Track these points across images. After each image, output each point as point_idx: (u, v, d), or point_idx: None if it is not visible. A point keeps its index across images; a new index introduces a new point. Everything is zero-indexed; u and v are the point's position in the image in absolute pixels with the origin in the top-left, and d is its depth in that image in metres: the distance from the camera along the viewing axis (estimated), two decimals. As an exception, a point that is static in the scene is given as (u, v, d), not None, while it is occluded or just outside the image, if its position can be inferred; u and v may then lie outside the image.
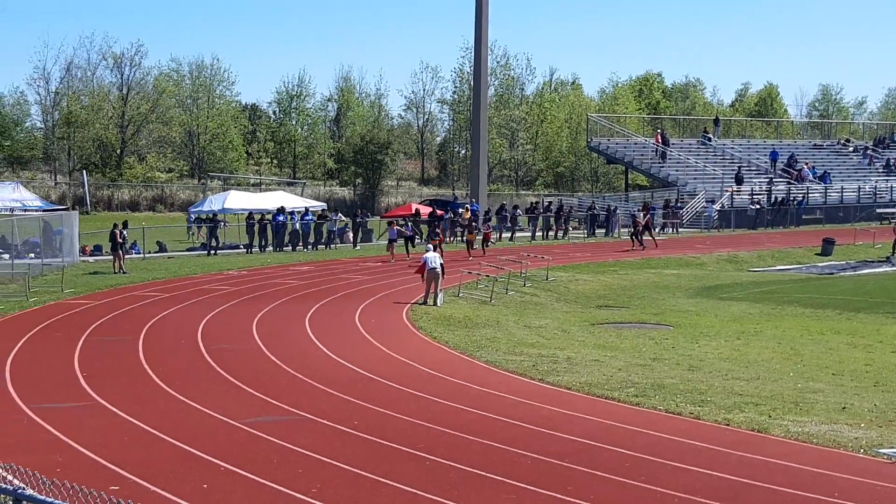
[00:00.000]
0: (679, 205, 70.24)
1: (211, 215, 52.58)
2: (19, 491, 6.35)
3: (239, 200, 56.08)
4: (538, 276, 41.48)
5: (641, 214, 56.73)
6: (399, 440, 16.13)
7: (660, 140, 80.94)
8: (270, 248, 52.30)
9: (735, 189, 73.71)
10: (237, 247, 53.12)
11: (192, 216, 56.07)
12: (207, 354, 23.67)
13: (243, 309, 31.23)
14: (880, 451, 16.11)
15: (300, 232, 53.90)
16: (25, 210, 47.28)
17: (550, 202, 67.76)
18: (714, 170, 77.29)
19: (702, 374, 23.04)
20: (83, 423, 16.87)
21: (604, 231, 64.90)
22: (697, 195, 72.28)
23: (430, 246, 36.49)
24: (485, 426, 17.26)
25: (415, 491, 13.50)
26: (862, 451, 16.19)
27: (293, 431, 16.54)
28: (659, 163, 79.32)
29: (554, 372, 22.54)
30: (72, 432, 16.15)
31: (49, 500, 6.30)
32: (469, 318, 30.72)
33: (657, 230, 63.82)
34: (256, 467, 14.41)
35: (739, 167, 77.87)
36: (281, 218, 53.03)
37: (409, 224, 50.40)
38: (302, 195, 71.57)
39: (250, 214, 53.20)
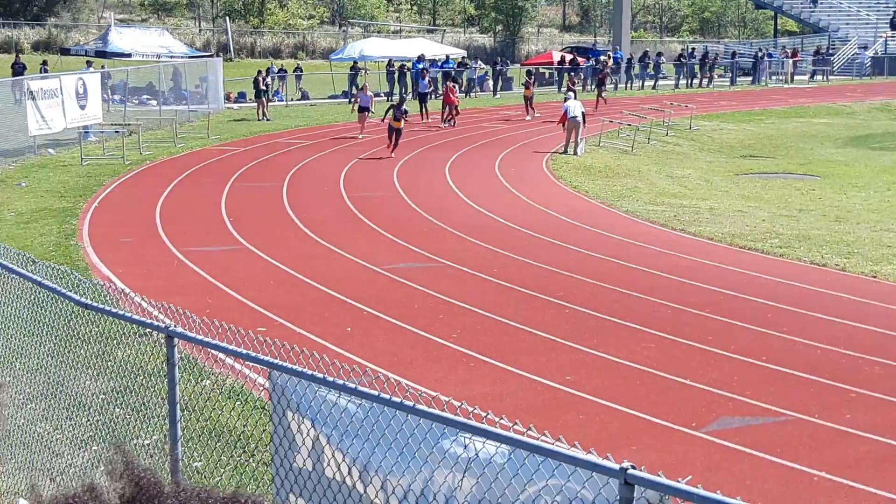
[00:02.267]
0: (830, 51, 67.87)
1: (351, 63, 52.63)
2: (171, 329, 6.54)
3: (378, 47, 55.96)
4: (681, 126, 40.73)
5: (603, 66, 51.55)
6: (538, 288, 16.19)
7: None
8: (409, 96, 52.27)
9: (889, 35, 70.77)
10: (378, 94, 53.21)
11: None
12: (350, 201, 23.95)
13: (383, 156, 31.40)
14: None
15: (439, 80, 53.69)
16: (171, 57, 47.88)
17: (695, 49, 66.02)
18: (868, 14, 74.25)
19: (849, 225, 22.51)
20: (231, 266, 17.31)
21: (750, 79, 63.20)
22: (850, 41, 69.68)
23: (571, 94, 35.98)
24: (624, 275, 17.20)
25: (553, 338, 13.59)
26: None
27: (434, 278, 16.73)
28: (810, 7, 76.48)
29: (696, 222, 22.26)
30: (220, 275, 16.59)
31: (199, 337, 6.49)
32: (610, 168, 30.42)
33: (808, 76, 61.99)
34: (398, 312, 14.65)
35: (895, 12, 74.64)
36: (421, 65, 52.83)
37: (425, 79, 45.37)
38: (441, 42, 71.08)
39: (390, 62, 53.06)
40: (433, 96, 45.68)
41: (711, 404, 11.21)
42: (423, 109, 42.00)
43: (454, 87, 42.17)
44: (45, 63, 41.43)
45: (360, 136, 34.84)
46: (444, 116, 40.28)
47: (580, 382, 11.87)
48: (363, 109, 35.73)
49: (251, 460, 8.08)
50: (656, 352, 13.13)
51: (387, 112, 31.76)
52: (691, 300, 15.69)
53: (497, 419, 5.33)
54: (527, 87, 43.60)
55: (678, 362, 12.67)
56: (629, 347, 13.23)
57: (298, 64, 57.82)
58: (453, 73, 50.27)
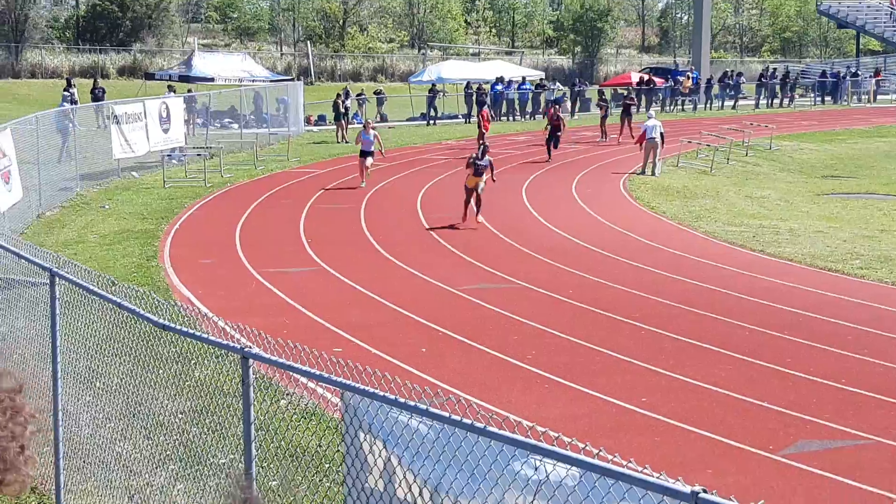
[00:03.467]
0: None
1: (430, 85, 52.93)
2: (246, 350, 6.62)
3: (457, 70, 56.22)
4: (761, 146, 40.35)
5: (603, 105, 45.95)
6: (614, 309, 16.13)
7: (895, 2, 76.88)
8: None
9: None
10: (455, 116, 53.43)
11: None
12: (427, 223, 24.05)
13: (460, 179, 31.47)
14: None
15: (517, 101, 53.76)
16: (253, 80, 48.52)
17: (776, 69, 65.43)
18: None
19: (933, 246, 22.13)
20: (308, 287, 17.47)
21: (832, 98, 62.45)
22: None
23: (651, 113, 35.82)
24: (701, 297, 17.08)
25: (629, 359, 13.52)
26: None
27: (509, 299, 16.74)
28: (893, 26, 75.45)
29: (775, 243, 22.04)
30: (298, 296, 16.75)
31: (273, 358, 6.56)
32: (687, 188, 30.22)
33: (891, 95, 61.13)
34: (473, 333, 14.67)
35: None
36: (499, 87, 52.96)
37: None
38: (520, 64, 71.21)
39: (468, 84, 53.28)
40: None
41: (789, 427, 11.08)
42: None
43: (489, 112, 40.84)
44: (95, 88, 41.98)
45: (363, 184, 29.21)
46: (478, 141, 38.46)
47: (656, 404, 11.80)
48: (365, 154, 29.26)
49: (324, 480, 8.15)
50: (734, 373, 13.01)
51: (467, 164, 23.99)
52: (770, 322, 15.53)
53: (568, 441, 5.33)
54: (601, 109, 43.37)
55: (756, 384, 12.54)
56: (706, 369, 13.13)
57: (381, 88, 58.20)
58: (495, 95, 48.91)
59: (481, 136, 38.24)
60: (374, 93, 55.05)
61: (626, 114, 41.61)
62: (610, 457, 4.88)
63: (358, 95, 51.67)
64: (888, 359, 13.65)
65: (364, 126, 30.56)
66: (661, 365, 13.30)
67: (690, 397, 12.10)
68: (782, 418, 11.37)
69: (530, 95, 54.28)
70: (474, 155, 23.99)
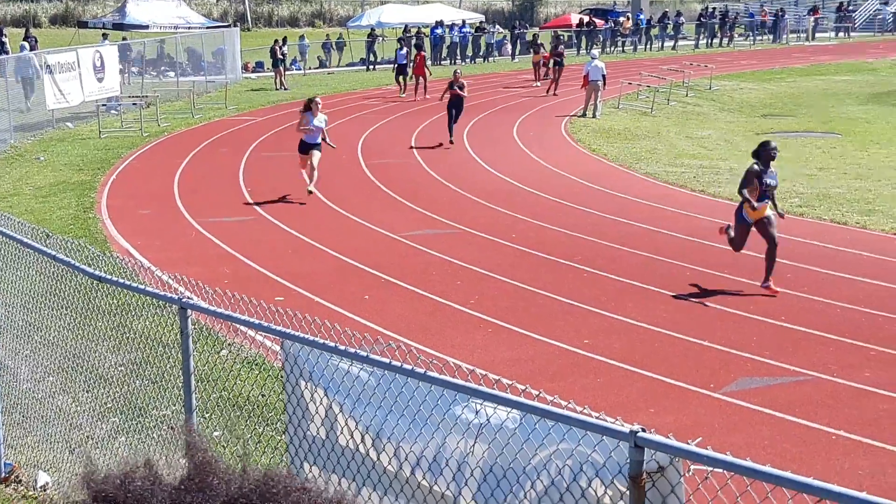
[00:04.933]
0: (851, 7, 67.25)
1: (369, 30, 52.51)
2: (184, 300, 6.55)
3: (396, 14, 55.82)
4: (701, 86, 40.47)
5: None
6: (556, 252, 16.17)
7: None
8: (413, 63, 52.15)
9: (912, -11, 70.16)
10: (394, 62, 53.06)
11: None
12: (367, 169, 23.93)
13: (401, 124, 31.36)
14: None
15: (458, 45, 53.52)
16: (189, 27, 47.84)
17: (715, 8, 65.54)
18: (889, -31, 73.49)
19: (870, 182, 22.38)
20: (249, 236, 17.34)
21: (771, 37, 62.74)
22: (871, -3, 69.06)
23: (594, 55, 35.71)
24: (643, 238, 17.16)
25: (572, 302, 13.58)
26: None
27: (452, 244, 16.72)
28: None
29: (715, 183, 22.17)
30: (238, 245, 16.63)
31: (212, 308, 6.50)
32: (629, 130, 30.28)
33: (831, 34, 61.51)
34: (416, 279, 14.66)
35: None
36: (439, 31, 52.66)
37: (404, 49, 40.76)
38: (459, 7, 70.81)
39: (406, 28, 52.93)
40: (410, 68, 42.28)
41: (730, 365, 11.19)
42: (402, 82, 38.80)
43: (425, 56, 40.21)
44: (27, 38, 41.11)
45: (310, 188, 20.28)
46: (417, 89, 37.87)
47: (598, 346, 11.87)
48: (308, 148, 20.55)
49: (267, 429, 8.13)
50: (675, 314, 13.11)
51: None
52: (711, 261, 15.64)
53: (508, 384, 5.34)
54: (536, 53, 43.09)
55: (697, 324, 12.65)
56: (648, 310, 13.21)
57: (340, 34, 57.37)
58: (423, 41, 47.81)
59: (417, 80, 38.17)
60: (337, 40, 54.53)
61: (558, 65, 40.90)
62: (550, 398, 4.89)
63: (325, 43, 51.05)
64: (827, 295, 13.81)
65: (308, 106, 20.58)
66: (604, 307, 13.37)
67: (633, 338, 12.18)
68: (723, 357, 11.48)
69: (470, 39, 54.03)
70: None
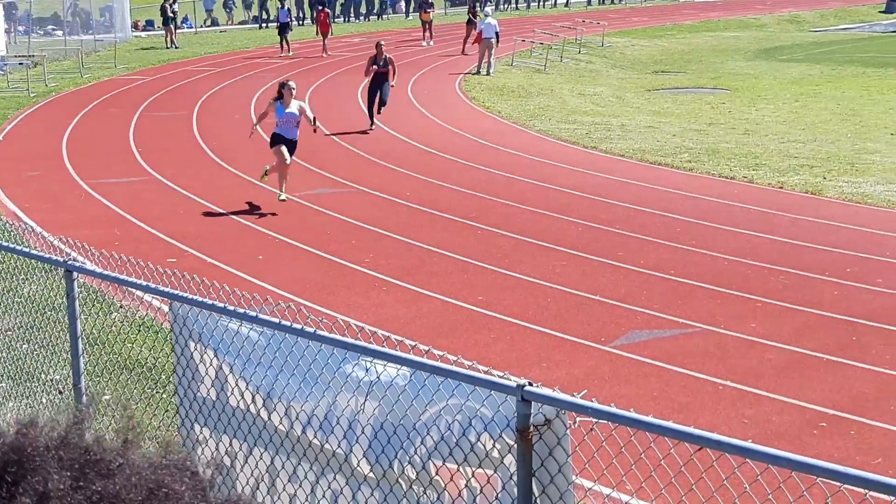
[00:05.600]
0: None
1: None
2: (70, 262, 6.46)
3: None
4: (594, 43, 40.78)
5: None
6: (451, 210, 16.24)
7: None
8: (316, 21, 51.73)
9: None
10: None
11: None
12: (260, 128, 23.71)
13: (296, 82, 31.06)
14: (935, 211, 16.01)
15: (352, 1, 53.15)
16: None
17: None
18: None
19: (757, 137, 22.82)
20: (140, 197, 17.11)
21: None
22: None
23: (488, 12, 35.72)
24: (537, 195, 17.30)
25: (466, 259, 13.66)
26: (917, 211, 16.10)
27: (347, 204, 16.69)
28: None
29: (607, 139, 22.41)
30: (129, 207, 16.40)
31: (98, 270, 6.43)
32: (522, 87, 30.42)
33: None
34: (311, 238, 14.62)
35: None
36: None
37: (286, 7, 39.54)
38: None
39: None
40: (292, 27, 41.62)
41: (620, 319, 11.38)
42: (284, 42, 38.29)
43: (329, 13, 39.81)
44: None
45: (281, 196, 16.52)
46: (326, 46, 37.82)
47: (492, 302, 11.97)
48: (281, 142, 16.46)
49: (159, 392, 8.08)
50: (567, 269, 13.26)
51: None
52: (602, 217, 15.84)
53: (398, 341, 5.38)
54: (425, 11, 42.35)
55: (589, 279, 12.82)
56: (541, 266, 13.35)
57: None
58: None
59: (324, 37, 37.93)
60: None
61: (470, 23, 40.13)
62: (439, 354, 4.94)
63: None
64: (715, 249, 14.08)
65: (280, 93, 16.60)
66: (498, 263, 13.47)
67: (526, 294, 12.30)
68: (614, 310, 11.66)
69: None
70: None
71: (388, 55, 23.54)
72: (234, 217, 15.85)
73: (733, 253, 13.86)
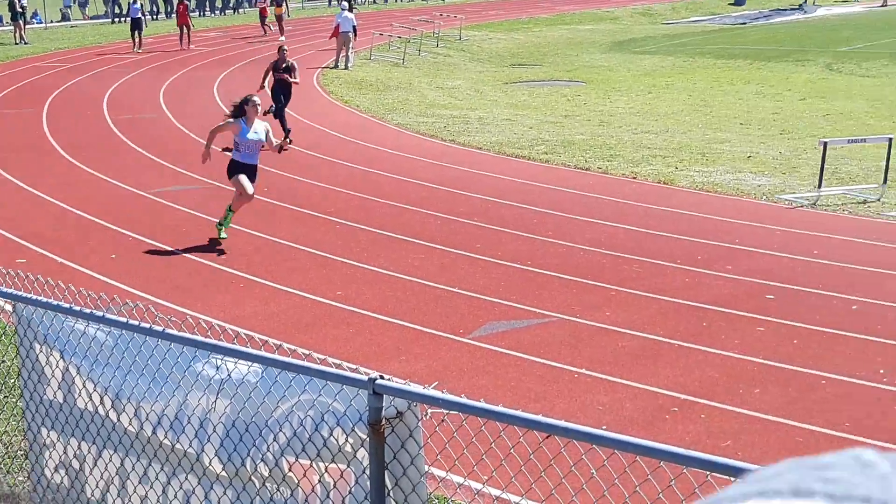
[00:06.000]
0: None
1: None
2: None
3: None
4: (451, 36, 40.97)
5: None
6: (309, 205, 16.16)
7: None
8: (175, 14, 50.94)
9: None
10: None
11: None
12: (114, 125, 23.28)
13: (149, 78, 30.59)
14: (781, 196, 16.49)
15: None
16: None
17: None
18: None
19: (612, 129, 23.20)
20: (-12, 198, 16.64)
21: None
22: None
23: (345, 5, 35.63)
24: (395, 189, 17.32)
25: (324, 254, 13.61)
26: (764, 197, 16.55)
27: (203, 200, 16.48)
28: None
29: (465, 132, 22.54)
30: (-24, 208, 15.94)
31: (-62, 275, 6.24)
32: (380, 81, 30.41)
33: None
34: (165, 236, 14.40)
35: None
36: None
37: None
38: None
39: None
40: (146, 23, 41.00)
41: (479, 310, 11.46)
42: (137, 37, 37.23)
43: (188, 6, 39.08)
44: None
45: (221, 231, 14.19)
46: (182, 39, 37.53)
47: (351, 297, 11.95)
48: (243, 170, 14.19)
49: (5, 395, 7.87)
50: (426, 262, 13.31)
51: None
52: (461, 210, 15.92)
53: (249, 337, 5.33)
54: (278, 5, 41.38)
55: (447, 271, 12.88)
56: (400, 259, 13.36)
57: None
58: None
59: (182, 30, 37.37)
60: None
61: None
62: (290, 349, 4.92)
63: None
64: (571, 239, 14.27)
65: (241, 109, 14.08)
66: (356, 257, 13.45)
67: (385, 288, 12.31)
68: (472, 302, 11.74)
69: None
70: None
71: (291, 60, 21.55)
72: (86, 216, 15.52)
73: (589, 243, 14.08)
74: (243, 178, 14.03)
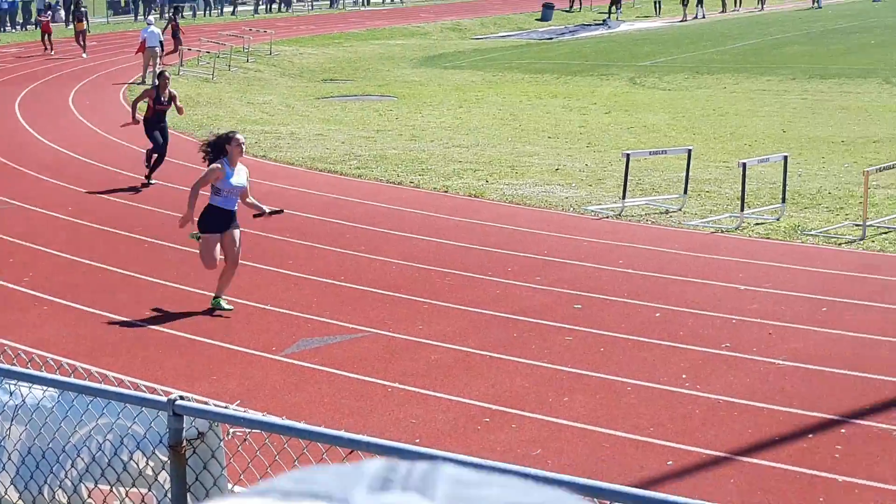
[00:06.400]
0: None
1: None
2: None
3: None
4: (262, 51, 40.63)
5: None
6: (115, 224, 15.81)
7: None
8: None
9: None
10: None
11: None
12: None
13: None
14: (588, 208, 16.87)
15: (6, 11, 50.87)
16: None
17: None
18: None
19: (423, 143, 23.37)
20: None
21: (328, 2, 63.94)
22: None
23: (150, 20, 34.97)
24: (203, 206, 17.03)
25: (131, 273, 13.33)
26: (572, 209, 16.91)
27: (4, 220, 15.95)
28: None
29: (277, 148, 22.38)
30: None
31: None
32: (190, 97, 29.92)
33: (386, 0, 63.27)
34: (-36, 259, 13.89)
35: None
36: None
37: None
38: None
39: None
40: None
41: (292, 327, 11.38)
42: None
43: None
44: None
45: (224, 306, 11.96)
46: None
47: (162, 317, 11.73)
48: (225, 221, 12.21)
49: None
50: (238, 280, 13.11)
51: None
52: (272, 226, 15.74)
53: (46, 360, 5.17)
54: (79, 21, 40.00)
55: (260, 289, 12.75)
56: (209, 278, 13.14)
57: None
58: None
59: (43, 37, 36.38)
60: None
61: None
62: (90, 372, 4.79)
63: None
64: (383, 253, 14.31)
65: (221, 147, 12.14)
66: (167, 277, 13.20)
67: (196, 306, 12.11)
68: (285, 319, 11.65)
69: (20, 4, 51.47)
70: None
71: (171, 89, 18.74)
72: None
73: (401, 257, 14.13)
74: (229, 232, 11.85)
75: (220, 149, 11.84)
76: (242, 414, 4.32)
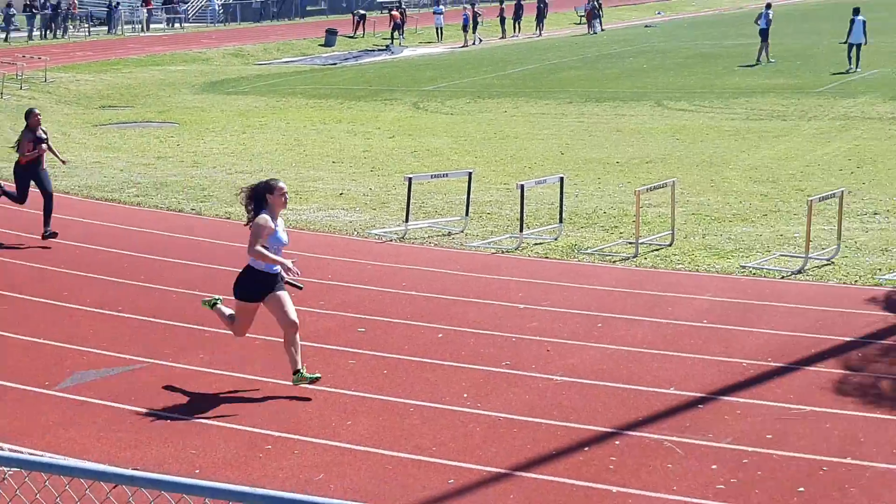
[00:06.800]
0: (184, -1, 68.74)
1: None
2: None
3: None
4: (36, 78, 39.45)
5: None
6: None
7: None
8: None
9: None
10: None
11: None
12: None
13: None
14: (371, 231, 16.94)
15: None
16: None
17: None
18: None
19: (205, 169, 23.07)
20: None
21: (106, 28, 62.52)
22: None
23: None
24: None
25: None
26: (356, 233, 16.95)
27: None
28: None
29: (52, 177, 21.64)
30: None
31: None
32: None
33: (164, 25, 62.36)
34: None
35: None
36: None
37: None
38: None
39: None
40: None
41: (66, 360, 11.03)
42: None
43: None
44: None
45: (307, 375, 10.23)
46: None
47: (-75, 355, 11.20)
48: (270, 287, 10.19)
49: None
50: (7, 313, 12.69)
51: None
52: (47, 257, 15.32)
53: None
54: None
55: (30, 321, 12.33)
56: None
57: None
58: None
59: None
60: None
61: None
62: None
63: None
64: (162, 282, 14.03)
65: (262, 195, 10.04)
66: (-69, 312, 12.63)
67: (-38, 342, 11.62)
68: (58, 352, 11.28)
69: None
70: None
71: (44, 127, 16.91)
72: None
73: (182, 285, 13.89)
74: (277, 297, 10.15)
75: (262, 200, 10.03)
76: (2, 453, 4.15)
